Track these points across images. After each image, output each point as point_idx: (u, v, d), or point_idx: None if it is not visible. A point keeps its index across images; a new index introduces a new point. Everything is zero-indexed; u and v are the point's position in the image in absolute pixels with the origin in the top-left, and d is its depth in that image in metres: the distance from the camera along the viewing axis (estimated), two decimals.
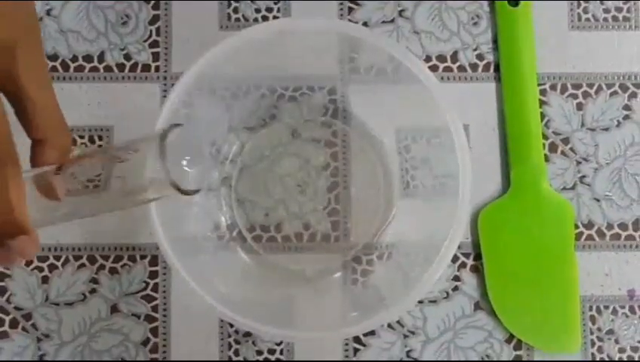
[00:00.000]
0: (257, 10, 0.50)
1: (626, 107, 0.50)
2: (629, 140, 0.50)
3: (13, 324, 0.47)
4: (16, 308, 0.47)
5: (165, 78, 0.49)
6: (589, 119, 0.50)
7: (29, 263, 0.47)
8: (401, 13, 0.50)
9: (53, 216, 0.34)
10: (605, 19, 0.50)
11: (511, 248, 0.48)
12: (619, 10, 0.51)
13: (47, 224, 0.34)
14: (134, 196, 0.33)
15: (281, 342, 0.47)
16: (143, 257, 0.48)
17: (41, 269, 0.47)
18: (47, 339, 0.47)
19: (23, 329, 0.47)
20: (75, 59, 0.49)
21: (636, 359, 0.48)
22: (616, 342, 0.48)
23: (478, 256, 0.48)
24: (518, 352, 0.47)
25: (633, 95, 0.50)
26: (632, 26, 0.51)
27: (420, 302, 0.48)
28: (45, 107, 0.33)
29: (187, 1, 0.50)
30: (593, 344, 0.48)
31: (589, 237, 0.49)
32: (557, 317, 0.47)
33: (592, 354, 0.47)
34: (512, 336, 0.47)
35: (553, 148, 0.49)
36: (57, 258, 0.47)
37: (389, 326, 0.48)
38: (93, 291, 0.47)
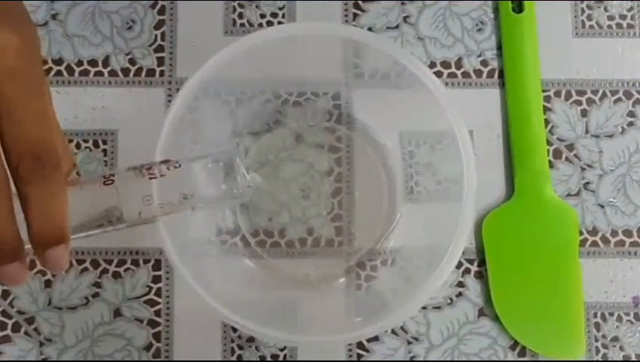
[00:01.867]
0: (262, 16, 0.50)
1: (630, 114, 0.50)
2: (633, 147, 0.49)
3: (16, 328, 0.47)
4: (19, 312, 0.47)
5: (170, 83, 0.49)
6: (594, 126, 0.50)
7: (32, 267, 0.47)
8: (405, 19, 0.50)
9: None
10: (609, 27, 0.51)
11: (515, 254, 0.47)
12: (623, 17, 0.51)
13: None
14: (168, 210, 0.35)
15: (284, 348, 0.47)
16: (146, 261, 0.47)
17: (44, 273, 0.47)
18: (50, 343, 0.47)
19: (26, 333, 0.47)
20: (80, 63, 0.49)
21: None
22: (621, 349, 0.47)
23: (482, 262, 0.48)
24: (522, 359, 0.47)
25: (637, 102, 0.50)
26: (636, 33, 0.51)
27: (424, 307, 0.47)
28: (58, 126, 0.34)
29: (192, 6, 0.50)
30: (598, 351, 0.47)
31: (594, 244, 0.48)
32: (561, 322, 0.47)
33: (597, 361, 0.47)
34: (516, 343, 0.47)
35: (557, 154, 0.49)
36: None
37: (393, 332, 0.47)
38: (96, 295, 0.47)
